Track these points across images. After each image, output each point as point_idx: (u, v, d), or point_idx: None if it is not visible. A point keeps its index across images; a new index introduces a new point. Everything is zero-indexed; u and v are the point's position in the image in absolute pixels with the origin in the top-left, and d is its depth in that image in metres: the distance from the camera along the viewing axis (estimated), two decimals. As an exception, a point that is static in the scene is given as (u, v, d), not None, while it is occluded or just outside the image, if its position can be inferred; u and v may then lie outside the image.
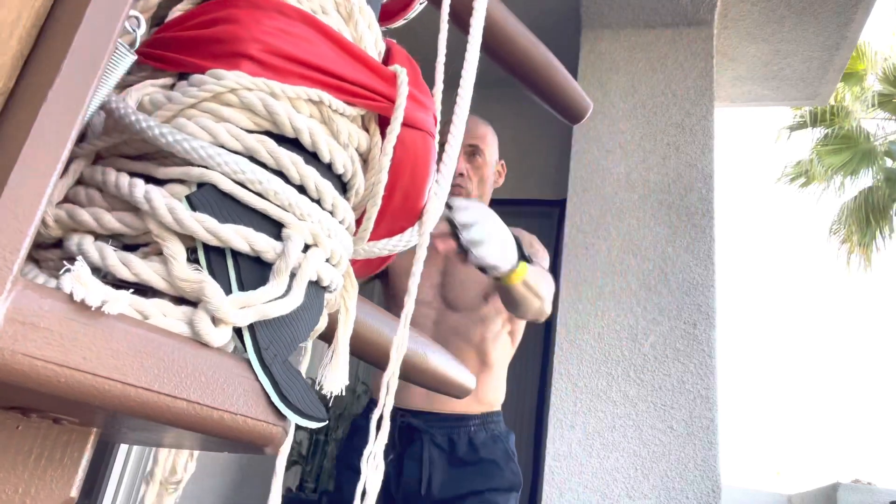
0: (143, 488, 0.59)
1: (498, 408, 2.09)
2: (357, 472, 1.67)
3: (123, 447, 3.00)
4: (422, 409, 1.99)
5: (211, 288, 0.43)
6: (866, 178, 10.88)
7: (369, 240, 0.58)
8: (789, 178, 11.62)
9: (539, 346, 4.03)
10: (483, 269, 1.61)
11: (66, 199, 0.48)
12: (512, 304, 1.85)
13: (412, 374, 0.75)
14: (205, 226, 0.44)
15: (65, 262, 0.40)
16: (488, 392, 2.06)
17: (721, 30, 3.88)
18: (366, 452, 0.52)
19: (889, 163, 10.66)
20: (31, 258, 0.49)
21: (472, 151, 2.10)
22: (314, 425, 0.47)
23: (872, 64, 10.45)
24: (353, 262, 0.61)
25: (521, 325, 2.17)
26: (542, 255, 2.12)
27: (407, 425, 1.97)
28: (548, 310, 1.90)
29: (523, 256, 1.70)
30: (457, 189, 2.05)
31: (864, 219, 10.72)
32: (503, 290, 1.78)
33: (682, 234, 3.24)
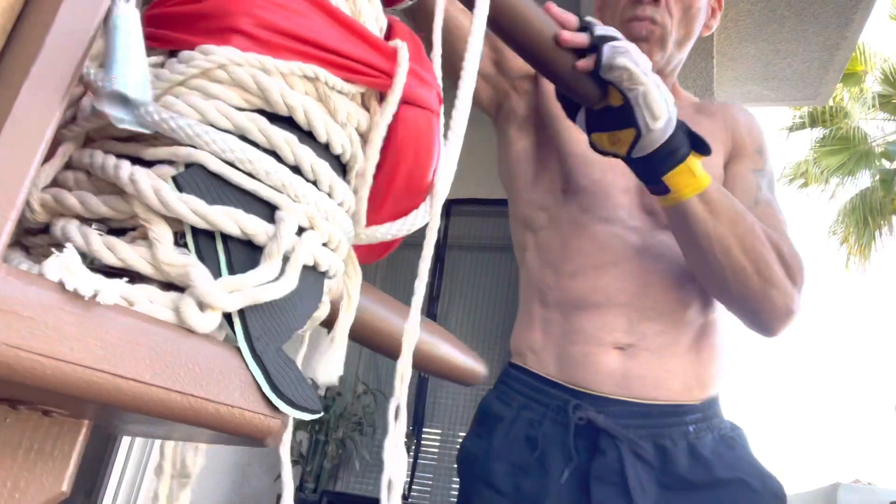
0: (153, 483, 0.58)
1: (719, 391, 1.25)
2: (502, 495, 1.14)
3: (125, 442, 2.99)
4: (612, 395, 1.18)
5: (197, 271, 0.41)
6: (864, 179, 10.89)
7: (372, 223, 0.56)
8: (788, 179, 11.64)
9: (539, 345, 4.01)
10: (647, 105, 0.96)
11: (55, 183, 0.46)
12: (699, 256, 1.13)
13: (421, 362, 0.73)
14: (192, 207, 0.42)
15: (52, 249, 0.38)
16: (712, 365, 1.25)
17: (721, 30, 3.87)
18: (387, 441, 0.49)
19: (887, 164, 10.67)
20: (21, 245, 0.47)
21: None
22: (308, 417, 0.45)
23: (871, 65, 10.47)
24: (357, 248, 0.59)
25: None
26: (769, 172, 1.32)
27: (588, 423, 1.17)
28: (786, 298, 1.12)
29: (694, 138, 1.03)
30: (646, 25, 1.24)
31: (861, 220, 10.73)
32: (675, 223, 1.12)
33: (683, 233, 3.22)
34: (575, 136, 1.29)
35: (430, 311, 4.57)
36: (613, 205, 1.25)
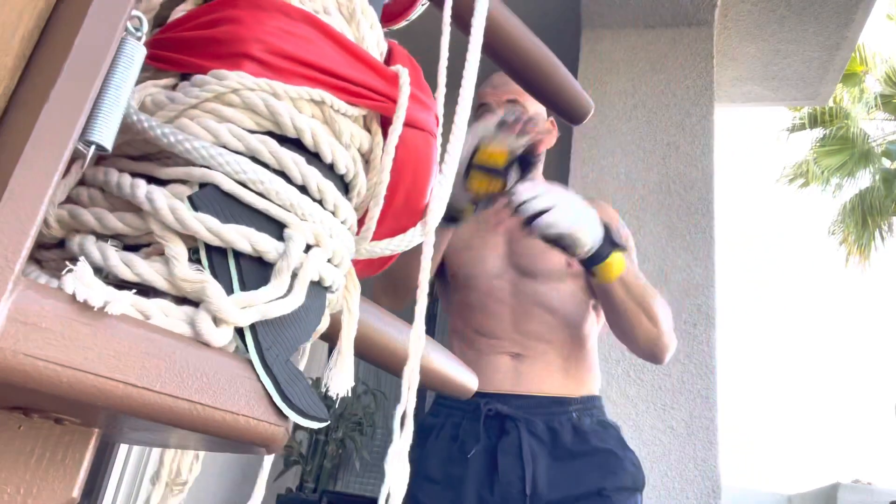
0: (150, 489, 0.59)
1: (598, 392, 1.75)
2: (436, 483, 1.55)
3: (123, 447, 3.00)
4: (509, 391, 1.64)
5: (212, 288, 0.43)
6: (864, 179, 10.90)
7: (371, 240, 0.58)
8: (788, 179, 11.64)
9: (539, 346, 4.03)
10: (559, 244, 1.41)
11: (69, 200, 0.48)
12: (613, 316, 1.61)
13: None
14: (207, 226, 0.44)
15: (67, 263, 0.40)
16: (585, 372, 1.73)
17: (721, 30, 3.88)
18: (391, 451, 0.51)
19: (887, 164, 10.68)
20: (34, 259, 0.49)
21: (511, 104, 1.76)
22: (316, 425, 0.47)
23: (871, 65, 10.47)
24: (356, 263, 0.61)
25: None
26: (629, 244, 1.76)
27: (495, 413, 1.61)
28: (667, 341, 1.61)
29: (614, 243, 1.48)
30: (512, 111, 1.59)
31: (861, 220, 10.74)
32: (600, 293, 1.58)
33: (682, 234, 3.24)
34: (455, 242, 1.79)
35: (430, 310, 4.58)
36: (488, 273, 1.76)
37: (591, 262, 1.48)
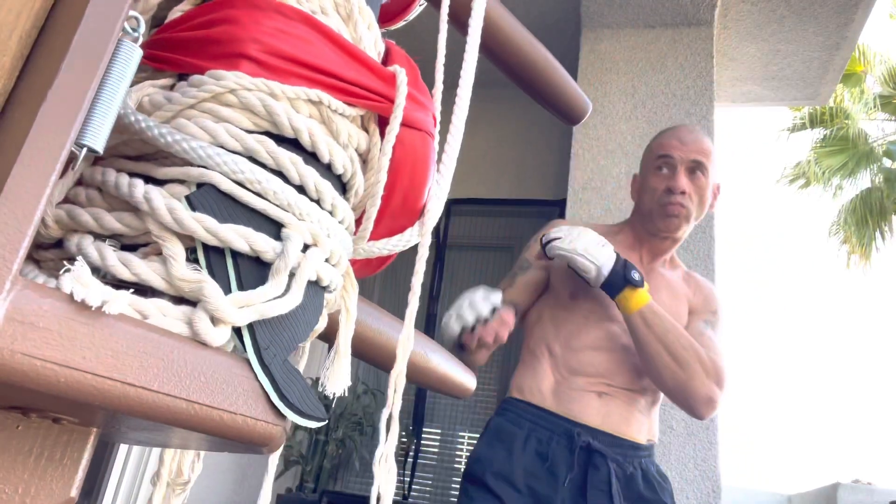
0: (150, 489, 0.60)
1: (655, 441, 1.86)
2: (520, 493, 1.67)
3: (123, 447, 3.00)
4: (599, 427, 1.73)
5: (210, 288, 0.43)
6: (865, 180, 10.89)
7: (369, 239, 0.58)
8: (789, 180, 11.64)
9: (539, 346, 4.02)
10: (573, 267, 1.66)
11: (67, 200, 0.48)
12: (637, 350, 1.72)
13: (414, 374, 0.75)
14: (204, 226, 0.44)
15: (64, 263, 0.40)
16: (655, 419, 1.86)
17: (721, 30, 3.88)
18: (377, 454, 0.51)
19: (888, 164, 10.67)
20: (31, 258, 0.49)
21: (694, 167, 1.84)
22: (314, 425, 0.47)
23: (871, 65, 10.46)
24: (354, 262, 0.61)
25: None
26: (717, 323, 1.85)
27: (587, 445, 1.69)
28: (704, 388, 1.66)
29: (627, 278, 1.65)
30: (677, 209, 1.81)
31: (862, 220, 10.73)
32: (628, 326, 1.71)
33: (682, 234, 3.24)
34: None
35: (430, 310, 4.57)
36: (609, 314, 1.82)
37: (609, 293, 1.69)
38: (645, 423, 1.80)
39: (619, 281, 1.65)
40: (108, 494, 2.94)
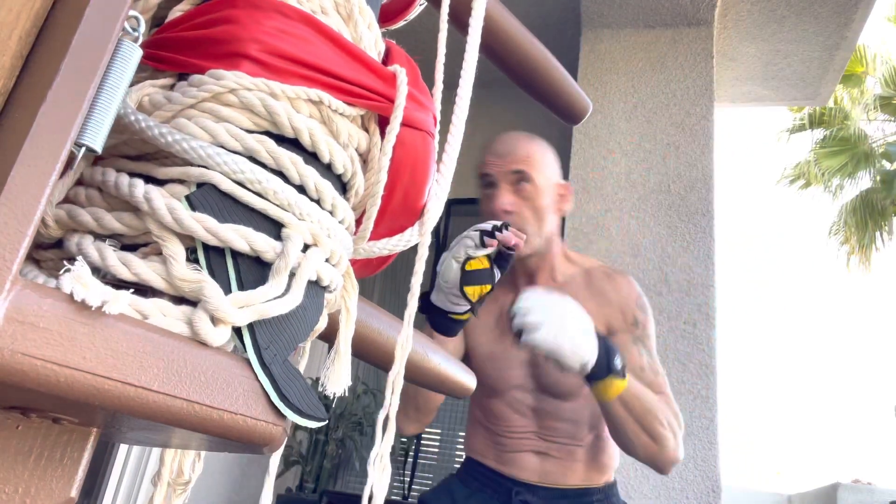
0: (150, 490, 0.60)
1: (613, 476, 1.85)
2: None
3: (123, 447, 3.00)
4: (537, 482, 1.75)
5: (210, 287, 0.43)
6: (865, 180, 10.89)
7: (369, 239, 0.58)
8: (789, 181, 11.64)
9: (539, 346, 4.03)
10: (558, 364, 1.47)
11: (66, 200, 0.48)
12: (612, 429, 1.64)
13: (413, 374, 0.75)
14: (204, 226, 0.44)
15: (64, 262, 0.40)
16: (607, 460, 1.81)
17: (721, 30, 3.88)
18: (372, 454, 0.52)
19: (887, 165, 10.67)
20: (31, 258, 0.49)
21: (516, 179, 1.71)
22: (314, 425, 0.47)
23: (871, 66, 10.46)
24: (354, 263, 0.61)
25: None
26: (646, 332, 1.80)
27: (524, 502, 1.73)
28: (669, 456, 1.62)
29: (610, 368, 1.51)
30: (506, 217, 1.68)
31: (862, 220, 10.73)
32: (600, 405, 1.61)
33: (682, 234, 3.24)
34: (477, 347, 1.90)
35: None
36: (509, 384, 1.82)
37: (588, 380, 1.55)
38: (592, 469, 1.79)
39: (602, 372, 1.51)
40: (108, 494, 2.94)
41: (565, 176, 3.54)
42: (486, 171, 1.74)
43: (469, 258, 1.45)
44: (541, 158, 1.77)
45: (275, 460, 0.57)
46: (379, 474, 0.50)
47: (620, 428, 1.60)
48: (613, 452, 1.83)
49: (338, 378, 0.55)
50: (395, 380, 0.51)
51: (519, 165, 1.71)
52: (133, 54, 0.43)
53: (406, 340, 0.52)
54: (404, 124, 0.55)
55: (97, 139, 0.41)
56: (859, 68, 10.26)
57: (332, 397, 0.55)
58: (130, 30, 0.44)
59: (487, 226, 1.44)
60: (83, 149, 0.41)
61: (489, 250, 1.44)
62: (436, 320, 1.55)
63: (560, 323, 1.45)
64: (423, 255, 0.56)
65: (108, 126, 0.42)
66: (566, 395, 1.76)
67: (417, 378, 0.76)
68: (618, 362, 1.53)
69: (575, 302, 1.54)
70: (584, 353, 1.46)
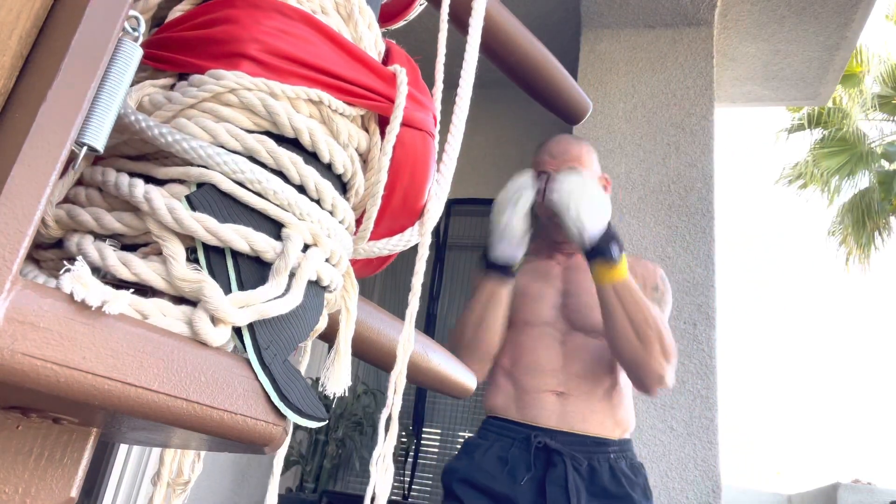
0: (150, 489, 0.60)
1: (631, 435, 1.92)
2: (483, 494, 1.74)
3: (123, 447, 3.00)
4: (557, 428, 1.81)
5: (210, 287, 0.43)
6: (863, 180, 10.88)
7: (369, 239, 0.58)
8: (788, 180, 11.63)
9: (539, 346, 4.03)
10: (562, 224, 1.68)
11: (67, 200, 0.48)
12: (604, 321, 1.77)
13: (414, 374, 0.75)
14: (204, 225, 0.44)
15: (64, 262, 0.40)
16: (625, 415, 1.90)
17: (721, 30, 3.88)
18: (374, 454, 0.52)
19: (885, 164, 10.66)
20: (31, 258, 0.49)
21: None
22: (314, 425, 0.47)
23: (870, 66, 10.46)
24: (354, 262, 0.61)
25: None
26: (664, 299, 1.94)
27: (544, 446, 1.78)
28: (657, 369, 1.74)
29: (609, 252, 1.69)
30: None
31: (860, 221, 10.73)
32: (598, 296, 1.75)
33: (682, 234, 3.24)
34: (515, 288, 1.95)
35: (429, 310, 4.57)
36: (541, 320, 1.93)
37: (588, 257, 1.72)
38: (609, 418, 1.85)
39: (599, 252, 1.69)
40: (108, 494, 2.94)
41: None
42: (543, 171, 1.94)
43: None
44: (587, 158, 2.01)
45: (279, 461, 0.57)
46: (382, 475, 0.50)
47: (610, 318, 1.72)
48: (630, 410, 1.92)
49: (338, 378, 0.55)
50: (398, 379, 0.51)
51: (572, 163, 1.95)
52: (134, 54, 0.43)
53: (408, 339, 0.52)
54: (404, 124, 0.55)
55: (99, 138, 0.41)
56: (858, 68, 10.26)
57: (332, 397, 0.55)
58: (130, 30, 0.44)
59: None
60: (84, 148, 0.41)
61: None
62: (497, 268, 1.80)
63: (579, 195, 1.69)
64: (423, 255, 0.56)
65: (110, 125, 0.42)
66: (591, 328, 1.88)
67: (418, 378, 0.76)
68: (615, 249, 1.70)
69: (602, 191, 1.75)
70: (587, 225, 1.67)
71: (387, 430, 0.51)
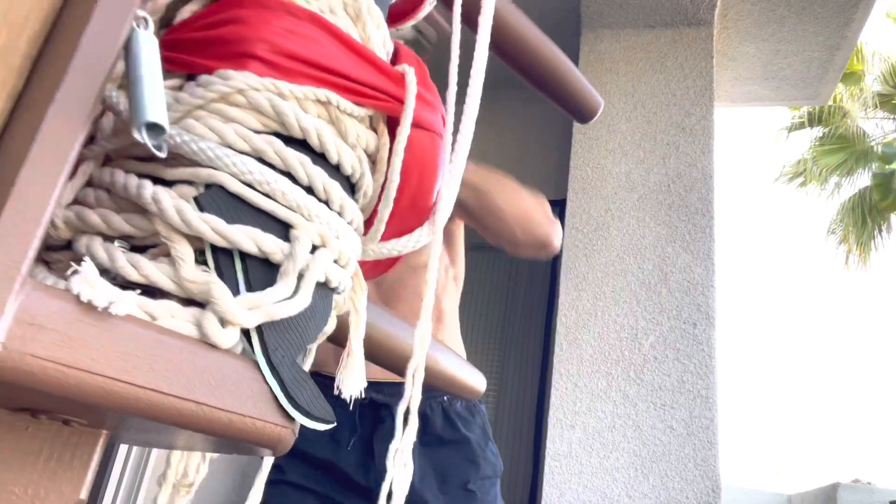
0: (154, 490, 0.59)
1: None
2: (305, 462, 1.51)
3: (123, 447, 3.00)
4: (382, 379, 1.56)
5: (219, 289, 0.43)
6: (863, 179, 10.89)
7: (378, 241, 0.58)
8: (788, 178, 11.64)
9: (539, 346, 4.03)
10: None
11: (76, 201, 0.48)
12: (469, 203, 1.50)
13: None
14: (213, 227, 0.44)
15: (73, 264, 0.40)
16: (455, 350, 1.73)
17: (721, 30, 3.87)
18: (391, 448, 0.51)
19: (884, 166, 10.67)
20: (41, 260, 0.49)
21: None
22: (323, 427, 0.47)
23: (870, 65, 10.46)
24: (362, 264, 0.61)
25: (461, 267, 1.82)
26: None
27: (370, 401, 1.58)
28: (539, 221, 1.56)
29: None
30: None
31: (860, 219, 10.74)
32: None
33: (682, 234, 3.24)
34: None
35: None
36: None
37: None
38: None
39: None
40: (109, 494, 2.93)
41: (565, 175, 3.54)
42: None
43: None
44: None
45: (268, 459, 0.57)
46: (400, 469, 0.49)
47: (477, 209, 1.51)
48: (455, 340, 1.75)
49: (352, 380, 0.55)
50: (416, 371, 0.51)
51: None
52: (151, 40, 0.43)
53: (425, 331, 0.52)
54: (413, 125, 0.54)
55: (159, 115, 0.41)
56: (858, 66, 10.26)
57: (349, 400, 0.55)
58: (140, 30, 0.43)
59: None
60: (143, 130, 0.41)
61: None
62: None
63: None
64: (436, 253, 0.56)
65: (163, 101, 0.42)
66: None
67: (426, 380, 0.76)
68: None
69: None
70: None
71: (405, 423, 0.51)
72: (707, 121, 3.46)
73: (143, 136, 0.41)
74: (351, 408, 1.55)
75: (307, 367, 0.62)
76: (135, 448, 3.04)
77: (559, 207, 3.76)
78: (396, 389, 1.56)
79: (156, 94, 0.41)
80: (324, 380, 1.74)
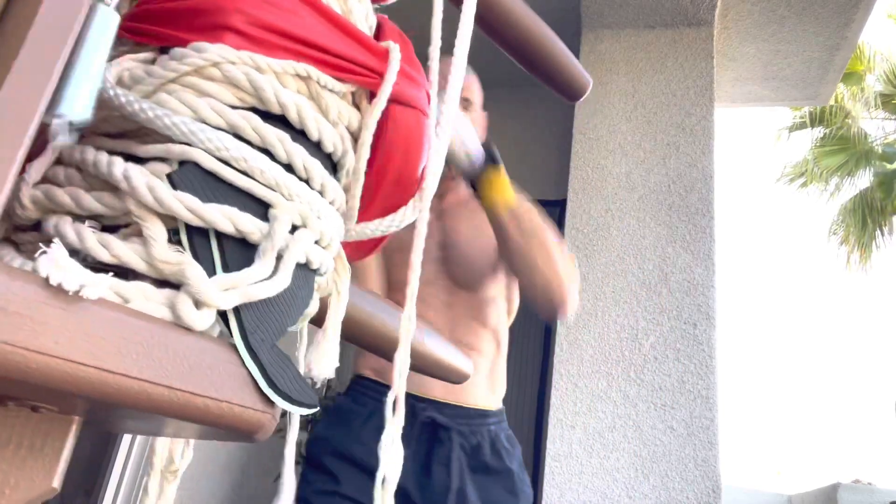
0: (146, 479, 0.58)
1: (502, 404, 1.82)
2: (362, 471, 1.52)
3: (125, 441, 2.99)
4: (443, 399, 1.67)
5: (192, 269, 0.41)
6: (864, 179, 10.88)
7: (361, 220, 0.56)
8: (789, 179, 11.63)
9: (539, 346, 4.02)
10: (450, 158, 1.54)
11: (45, 180, 0.46)
12: (507, 253, 1.65)
13: (410, 359, 0.73)
14: (186, 205, 0.42)
15: (42, 245, 0.38)
16: (501, 382, 1.80)
17: (721, 30, 3.86)
18: (384, 438, 0.50)
19: (886, 165, 10.65)
20: (11, 241, 0.47)
21: (464, 107, 1.82)
22: (304, 411, 0.45)
23: (871, 64, 10.45)
24: (346, 245, 0.59)
25: (516, 300, 1.89)
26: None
27: (431, 421, 1.65)
28: (561, 291, 1.63)
29: (487, 146, 1.60)
30: None
31: (861, 220, 10.72)
32: (492, 222, 1.62)
33: (682, 234, 3.22)
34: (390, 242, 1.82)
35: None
36: (423, 278, 1.62)
37: (478, 180, 1.60)
38: (489, 388, 1.75)
39: (485, 166, 1.60)
40: (111, 488, 2.92)
41: (565, 176, 3.53)
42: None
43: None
44: (477, 89, 1.92)
45: (290, 453, 0.55)
46: (391, 457, 0.48)
47: (514, 245, 1.60)
48: (504, 375, 1.82)
49: (324, 360, 0.53)
50: (402, 362, 0.49)
51: (464, 94, 1.81)
52: (110, 19, 0.41)
53: (410, 317, 0.50)
54: (397, 101, 0.53)
55: (75, 109, 0.39)
56: (859, 66, 10.25)
57: (323, 383, 0.53)
58: (108, 0, 0.42)
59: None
60: (64, 120, 0.39)
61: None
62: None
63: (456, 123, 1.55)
64: (422, 231, 0.54)
65: (90, 95, 0.40)
66: (476, 285, 1.77)
67: (413, 363, 0.74)
68: (496, 152, 1.60)
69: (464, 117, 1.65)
70: (471, 146, 1.56)
71: (394, 412, 0.49)
72: (707, 121, 3.45)
73: (53, 124, 0.39)
74: (411, 427, 1.61)
75: (301, 352, 0.60)
76: (137, 440, 3.03)
77: (559, 207, 3.75)
78: (454, 412, 1.66)
79: (83, 86, 0.39)
80: (385, 389, 1.78)
